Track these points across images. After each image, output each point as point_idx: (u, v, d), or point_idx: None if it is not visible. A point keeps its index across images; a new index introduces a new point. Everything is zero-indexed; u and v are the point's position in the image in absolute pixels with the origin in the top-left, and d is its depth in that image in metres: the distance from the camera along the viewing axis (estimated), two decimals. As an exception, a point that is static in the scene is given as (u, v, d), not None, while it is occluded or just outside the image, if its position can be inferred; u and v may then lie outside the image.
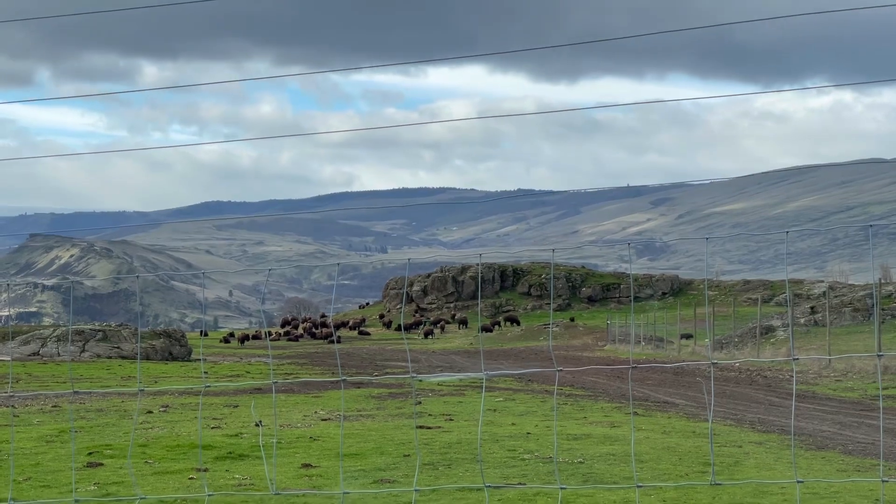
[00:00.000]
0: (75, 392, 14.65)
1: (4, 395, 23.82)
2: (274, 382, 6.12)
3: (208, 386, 7.11)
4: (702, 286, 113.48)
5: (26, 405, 22.50)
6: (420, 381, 27.55)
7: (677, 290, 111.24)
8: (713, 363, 5.85)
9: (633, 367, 6.82)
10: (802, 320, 49.80)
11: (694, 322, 55.47)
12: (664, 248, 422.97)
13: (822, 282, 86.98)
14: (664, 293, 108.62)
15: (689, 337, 53.89)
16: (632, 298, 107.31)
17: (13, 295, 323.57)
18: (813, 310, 52.44)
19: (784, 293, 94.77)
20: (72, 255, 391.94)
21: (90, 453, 14.40)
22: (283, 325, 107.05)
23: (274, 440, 15.04)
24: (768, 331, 47.12)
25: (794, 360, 5.89)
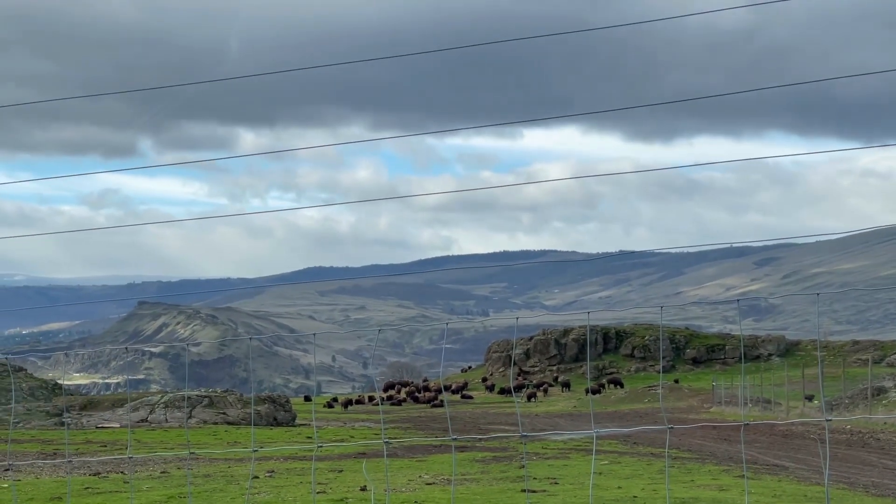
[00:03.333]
0: (191, 453, 14.88)
1: (115, 460, 24.26)
2: (386, 443, 6.18)
3: (321, 446, 7.19)
4: (809, 346, 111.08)
5: (136, 471, 22.90)
6: (529, 441, 27.40)
7: (784, 350, 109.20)
8: (827, 420, 5.75)
9: (745, 424, 6.73)
10: (916, 381, 48.36)
11: (803, 383, 54.30)
12: (770, 309, 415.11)
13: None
14: (771, 354, 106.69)
15: (811, 399, 52.89)
16: (742, 358, 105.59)
17: (122, 362, 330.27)
18: (927, 370, 50.91)
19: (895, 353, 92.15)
20: (178, 323, 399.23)
21: (199, 517, 14.59)
22: (385, 390, 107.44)
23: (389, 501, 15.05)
24: (880, 392, 45.85)
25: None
